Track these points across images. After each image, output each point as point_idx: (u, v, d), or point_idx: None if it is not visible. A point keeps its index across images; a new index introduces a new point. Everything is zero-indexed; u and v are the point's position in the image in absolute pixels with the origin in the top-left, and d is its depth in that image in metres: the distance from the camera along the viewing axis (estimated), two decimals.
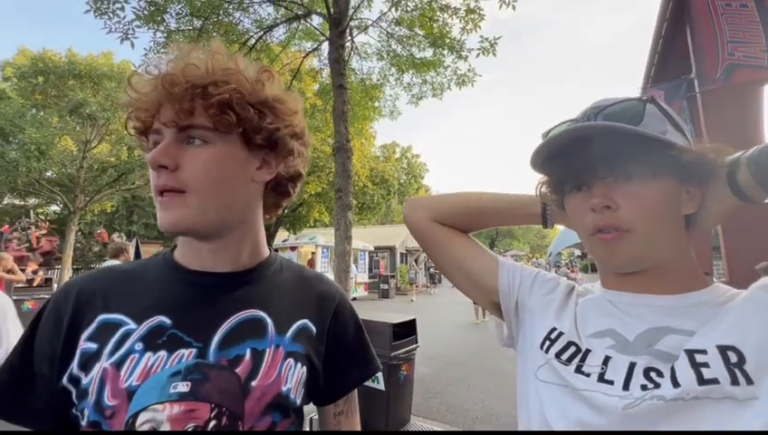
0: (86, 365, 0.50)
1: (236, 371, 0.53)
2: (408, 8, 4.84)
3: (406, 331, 3.74)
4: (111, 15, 3.82)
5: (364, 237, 18.57)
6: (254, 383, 0.53)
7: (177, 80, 0.51)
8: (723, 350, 0.45)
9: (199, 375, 0.51)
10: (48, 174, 14.39)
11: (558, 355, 0.56)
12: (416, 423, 3.81)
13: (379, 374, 3.49)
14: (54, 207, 18.73)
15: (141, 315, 0.53)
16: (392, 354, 3.46)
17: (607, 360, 0.52)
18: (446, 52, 5.05)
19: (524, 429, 0.59)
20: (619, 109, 0.53)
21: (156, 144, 0.53)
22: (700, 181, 0.54)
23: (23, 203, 16.48)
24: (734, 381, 0.43)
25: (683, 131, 0.54)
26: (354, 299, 13.40)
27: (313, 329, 0.64)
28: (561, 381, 0.54)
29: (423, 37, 5.08)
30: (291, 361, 0.58)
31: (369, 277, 17.47)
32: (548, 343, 0.59)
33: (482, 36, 4.55)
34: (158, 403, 0.48)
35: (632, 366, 0.50)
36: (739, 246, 6.22)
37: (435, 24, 4.83)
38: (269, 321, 0.59)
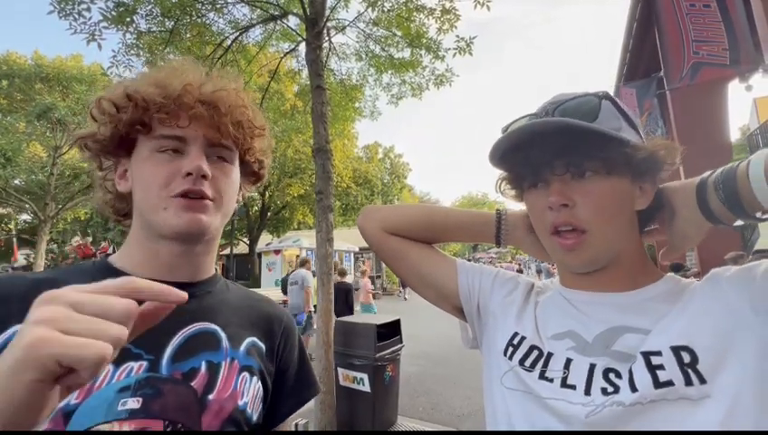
0: None
1: (192, 384, 0.51)
2: (385, 8, 4.84)
3: (390, 331, 3.74)
4: (77, 16, 3.67)
5: (348, 239, 18.49)
6: (211, 397, 0.51)
7: (218, 101, 0.57)
8: (676, 350, 0.46)
9: (151, 390, 0.48)
10: (16, 182, 13.76)
11: (522, 362, 0.57)
12: (402, 423, 3.81)
13: (365, 376, 3.47)
14: (24, 216, 17.94)
15: None
16: (377, 356, 3.46)
17: (568, 362, 0.53)
18: (423, 52, 5.08)
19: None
20: (575, 104, 0.53)
21: (167, 150, 0.55)
22: (652, 177, 0.55)
23: None
24: (688, 382, 0.44)
25: (636, 128, 0.55)
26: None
27: (263, 347, 0.63)
28: (526, 388, 0.54)
29: (400, 38, 5.09)
30: (246, 374, 0.57)
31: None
32: (511, 349, 0.59)
33: (458, 36, 4.59)
34: (104, 422, 0.44)
35: (592, 368, 0.51)
36: (709, 238, 6.48)
37: (411, 25, 4.85)
38: (222, 334, 0.57)
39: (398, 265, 0.74)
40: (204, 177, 0.55)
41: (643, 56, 7.72)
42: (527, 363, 0.56)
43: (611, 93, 0.54)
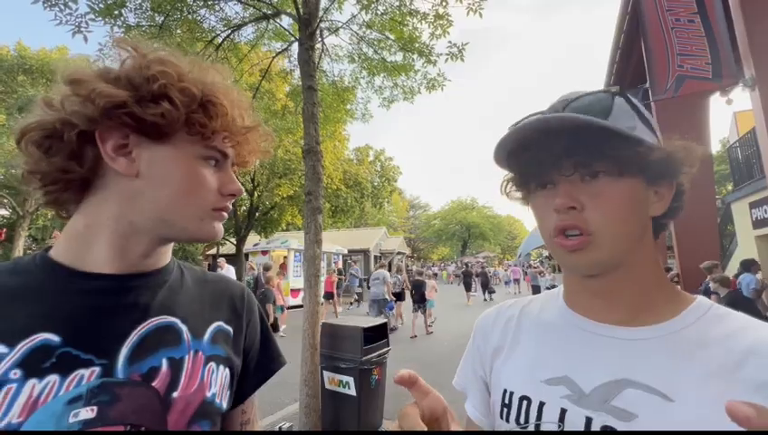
0: None
1: (153, 384, 0.48)
2: (378, 12, 4.85)
3: (377, 335, 3.72)
4: (63, 7, 3.58)
5: (337, 240, 18.41)
6: (175, 395, 0.49)
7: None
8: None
9: (107, 396, 0.44)
10: None
11: (517, 419, 0.53)
12: (388, 427, 3.79)
13: (351, 379, 3.45)
14: (2, 211, 17.38)
15: (14, 335, 0.43)
16: (363, 359, 3.43)
17: (563, 414, 0.49)
18: (415, 56, 5.11)
19: None
20: (587, 102, 0.50)
21: (211, 159, 0.55)
22: (669, 181, 0.51)
23: None
24: None
25: (652, 128, 0.51)
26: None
27: (230, 330, 0.61)
28: None
29: (393, 41, 5.11)
30: (212, 364, 0.55)
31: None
32: (505, 410, 0.56)
33: (450, 42, 4.63)
34: None
35: (589, 422, 0.47)
36: (690, 245, 6.66)
37: (405, 29, 4.87)
38: (183, 326, 0.54)
39: None
40: (232, 195, 0.57)
41: (629, 68, 7.92)
42: (521, 420, 0.53)
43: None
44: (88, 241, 0.51)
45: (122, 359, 0.47)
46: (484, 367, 0.64)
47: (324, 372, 3.57)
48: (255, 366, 0.66)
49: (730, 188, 12.98)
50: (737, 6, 4.25)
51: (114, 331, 0.48)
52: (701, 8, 4.35)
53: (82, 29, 3.67)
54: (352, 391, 3.44)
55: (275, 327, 7.08)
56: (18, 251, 12.50)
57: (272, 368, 0.69)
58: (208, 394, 0.53)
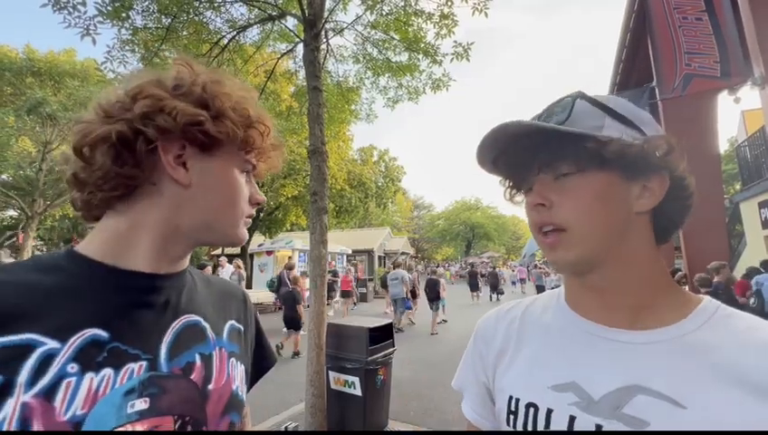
0: None
1: (191, 378, 0.52)
2: (383, 12, 4.86)
3: (382, 335, 3.73)
4: (71, 10, 3.62)
5: (342, 241, 18.44)
6: (210, 387, 0.54)
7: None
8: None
9: (156, 389, 0.48)
10: (3, 177, 13.51)
11: (524, 427, 0.53)
12: (394, 427, 3.79)
13: (356, 379, 3.45)
14: (11, 212, 17.59)
15: (64, 331, 0.44)
16: (369, 359, 3.44)
17: (572, 421, 0.48)
18: (421, 56, 5.10)
19: None
20: (552, 109, 0.53)
21: (245, 172, 0.60)
22: (658, 174, 0.50)
23: None
24: None
25: (632, 124, 0.51)
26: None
27: (241, 328, 0.67)
28: None
29: (398, 41, 5.11)
30: (233, 360, 0.61)
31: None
32: (512, 417, 0.55)
33: (455, 41, 4.62)
34: (117, 427, 0.44)
35: (599, 430, 0.47)
36: (697, 246, 6.59)
37: (410, 29, 4.87)
38: (206, 324, 0.59)
39: None
40: (256, 205, 0.63)
41: (635, 67, 7.87)
42: (529, 428, 0.52)
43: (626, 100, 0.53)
44: (130, 241, 0.53)
45: (164, 353, 0.51)
46: (486, 372, 0.64)
47: (330, 372, 3.58)
48: (253, 364, 0.70)
49: (738, 187, 12.84)
50: (746, 4, 4.21)
51: (154, 327, 0.52)
52: (709, 6, 4.31)
53: (91, 31, 3.71)
54: (358, 392, 3.44)
55: (297, 327, 7.10)
56: (27, 251, 12.64)
57: (266, 365, 0.74)
58: (234, 387, 0.58)
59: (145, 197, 0.53)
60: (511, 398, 0.56)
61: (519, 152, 0.53)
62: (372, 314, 11.61)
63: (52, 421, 0.40)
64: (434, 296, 9.46)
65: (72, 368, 0.43)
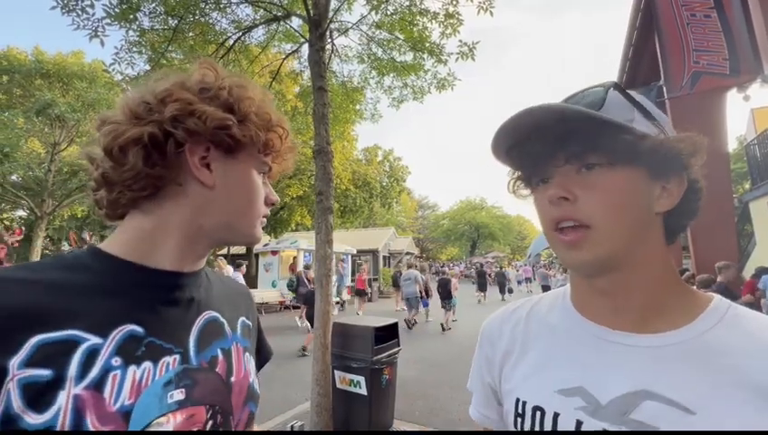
0: (38, 398, 0.40)
1: (216, 370, 0.56)
2: (388, 12, 4.86)
3: (388, 334, 3.73)
4: (80, 12, 3.66)
5: (346, 241, 18.46)
6: (233, 379, 0.58)
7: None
8: None
9: (189, 380, 0.51)
10: (13, 177, 13.68)
11: (531, 429, 0.53)
12: (399, 427, 3.79)
13: (362, 379, 3.46)
14: (21, 213, 17.83)
15: (103, 326, 0.47)
16: (374, 359, 3.44)
17: (579, 425, 0.48)
18: (426, 56, 5.10)
19: None
20: (581, 96, 0.51)
21: (263, 173, 0.62)
22: (678, 175, 0.49)
23: None
24: None
25: (656, 122, 0.50)
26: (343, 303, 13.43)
27: (250, 324, 0.70)
28: None
29: (403, 41, 5.11)
30: (247, 355, 0.64)
31: (351, 280, 17.45)
32: (519, 420, 0.55)
33: (461, 41, 4.61)
34: (160, 416, 0.47)
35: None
36: (706, 246, 6.51)
37: (414, 29, 4.87)
38: (223, 320, 0.62)
39: None
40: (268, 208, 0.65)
41: (642, 65, 7.79)
42: (537, 429, 0.52)
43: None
44: (155, 241, 0.54)
45: (192, 348, 0.54)
46: (492, 374, 0.63)
47: (335, 371, 3.59)
48: (257, 354, 0.73)
49: (747, 186, 12.67)
50: (756, 0, 4.15)
51: (182, 322, 0.55)
52: (717, 2, 4.26)
53: (99, 33, 3.75)
54: (363, 391, 3.45)
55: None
56: (37, 251, 12.81)
57: (265, 358, 0.76)
58: (251, 380, 0.62)
59: (170, 197, 0.55)
60: (518, 400, 0.55)
61: (540, 141, 0.49)
62: (383, 312, 11.70)
63: (104, 411, 0.43)
64: (446, 295, 9.85)
65: (116, 361, 0.46)
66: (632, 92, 0.51)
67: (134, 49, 4.33)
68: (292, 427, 3.62)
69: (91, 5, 3.67)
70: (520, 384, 0.56)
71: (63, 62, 13.68)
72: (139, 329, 0.49)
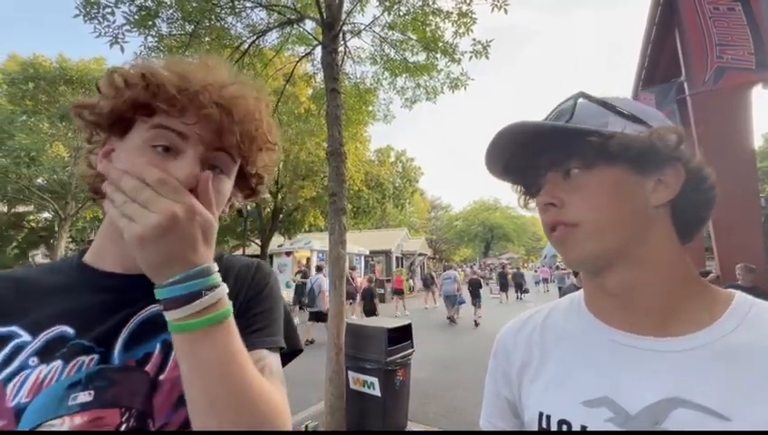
0: None
1: (147, 369, 0.50)
2: (401, 13, 4.85)
3: (401, 336, 3.72)
4: (101, 20, 3.78)
5: (359, 242, 18.51)
6: (162, 377, 0.50)
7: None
8: None
9: (104, 382, 0.48)
10: (38, 181, 14.21)
11: None
12: (413, 428, 3.77)
13: (375, 380, 3.46)
14: (45, 214, 18.48)
15: (38, 326, 0.49)
16: (388, 360, 3.44)
17: None
18: (438, 55, 5.07)
19: None
20: (557, 110, 0.54)
21: (159, 145, 0.49)
22: (672, 166, 0.49)
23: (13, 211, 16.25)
24: None
25: (637, 119, 0.50)
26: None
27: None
28: None
29: (416, 41, 5.09)
30: None
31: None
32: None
33: (474, 39, 4.57)
34: (55, 418, 0.45)
35: None
36: (730, 246, 6.29)
37: (427, 29, 4.85)
38: None
39: None
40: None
41: (661, 61, 7.57)
42: None
43: (629, 97, 0.53)
44: (104, 243, 0.56)
45: (119, 346, 0.51)
46: (511, 389, 0.61)
47: (349, 372, 3.60)
48: (245, 330, 0.57)
49: None
50: None
51: (114, 321, 0.52)
52: None
53: (119, 40, 3.87)
54: (377, 392, 3.45)
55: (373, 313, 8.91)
56: (60, 251, 13.26)
57: (264, 341, 0.60)
58: None
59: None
60: (541, 414, 0.53)
61: (527, 156, 0.53)
62: (389, 316, 11.69)
63: (2, 405, 0.44)
64: (476, 294, 11.04)
65: (33, 361, 0.47)
66: (609, 97, 0.53)
67: (152, 54, 4.44)
68: (306, 427, 3.64)
69: (112, 13, 3.78)
70: (542, 397, 0.55)
71: (86, 68, 14.16)
72: (69, 330, 0.49)
